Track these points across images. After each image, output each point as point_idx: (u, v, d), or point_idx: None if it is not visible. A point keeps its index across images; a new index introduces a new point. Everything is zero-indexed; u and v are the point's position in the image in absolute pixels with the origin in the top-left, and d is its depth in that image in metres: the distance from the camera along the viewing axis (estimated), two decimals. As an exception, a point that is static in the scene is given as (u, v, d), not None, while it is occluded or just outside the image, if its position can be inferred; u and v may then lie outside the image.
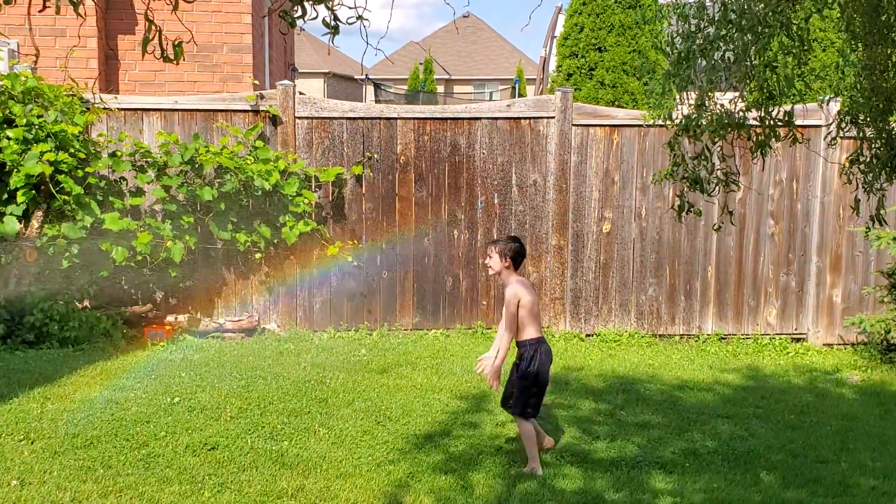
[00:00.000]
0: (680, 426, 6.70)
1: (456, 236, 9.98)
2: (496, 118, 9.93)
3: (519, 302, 5.57)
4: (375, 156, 9.85)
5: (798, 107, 9.64)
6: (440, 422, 6.62)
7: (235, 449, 5.84)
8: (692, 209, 4.85)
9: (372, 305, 10.00)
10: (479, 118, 9.93)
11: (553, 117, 9.89)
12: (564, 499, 5.15)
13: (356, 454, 5.85)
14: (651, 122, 4.90)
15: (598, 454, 5.98)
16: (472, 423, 6.60)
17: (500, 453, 5.90)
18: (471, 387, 7.65)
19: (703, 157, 4.40)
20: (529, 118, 9.94)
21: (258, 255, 9.60)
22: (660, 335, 10.15)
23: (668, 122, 4.57)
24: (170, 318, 9.43)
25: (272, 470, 5.50)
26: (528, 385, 5.63)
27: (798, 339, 10.21)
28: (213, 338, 9.37)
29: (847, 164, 4.61)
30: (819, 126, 9.62)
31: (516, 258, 5.70)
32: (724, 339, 10.14)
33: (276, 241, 9.63)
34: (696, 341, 10.03)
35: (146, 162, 9.30)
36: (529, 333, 5.66)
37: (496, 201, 9.98)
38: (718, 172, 4.60)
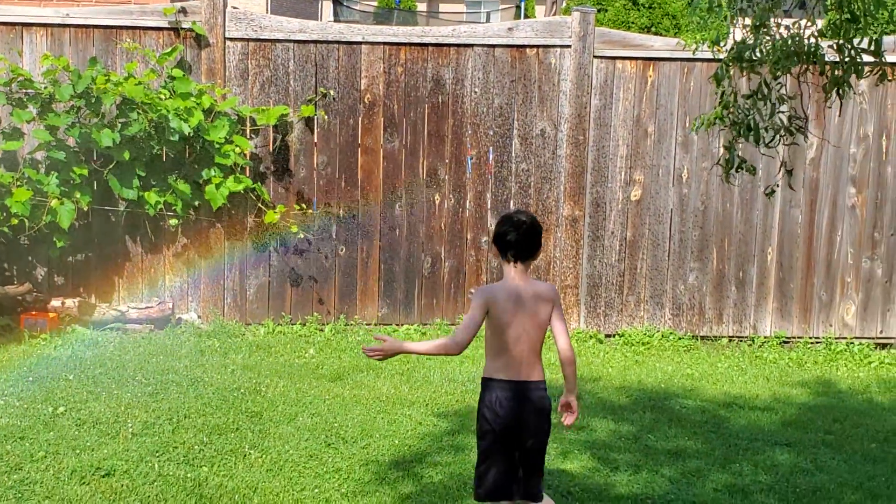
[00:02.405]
0: (725, 455, 6.71)
1: (437, 202, 9.96)
2: (493, 45, 9.89)
3: (485, 306, 4.83)
4: (332, 92, 9.79)
5: (889, 38, 9.65)
6: (411, 445, 6.61)
7: (138, 475, 5.81)
8: (744, 165, 4.83)
9: (324, 292, 9.98)
10: (471, 45, 9.89)
11: (568, 46, 9.86)
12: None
13: (298, 485, 5.83)
14: (692, 48, 4.78)
15: (618, 489, 5.99)
16: (453, 446, 6.60)
17: (489, 487, 5.90)
18: (452, 399, 7.65)
19: (759, 96, 4.37)
20: (537, 47, 9.91)
21: (174, 222, 9.55)
22: (702, 336, 10.18)
23: (716, 50, 4.54)
24: (55, 303, 9.37)
25: (186, 504, 5.49)
26: (480, 446, 4.96)
27: (884, 345, 10.26)
28: (113, 329, 9.33)
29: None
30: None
31: (500, 243, 4.92)
32: (786, 342, 10.18)
33: (197, 203, 9.58)
34: (750, 345, 10.07)
35: (26, 94, 9.21)
36: (491, 367, 4.93)
37: (491, 157, 9.96)
38: (780, 117, 4.58)
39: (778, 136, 4.64)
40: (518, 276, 4.87)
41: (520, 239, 4.84)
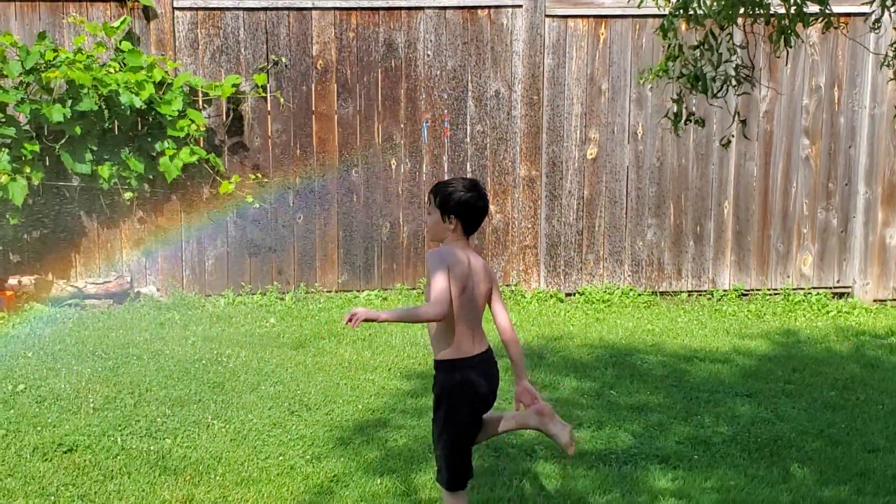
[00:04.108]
0: (687, 408, 6.77)
1: (394, 167, 9.93)
2: (444, 7, 9.82)
3: (448, 271, 4.41)
4: (284, 60, 9.71)
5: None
6: (374, 409, 6.63)
7: (100, 450, 5.79)
8: (692, 118, 4.84)
9: (283, 261, 9.93)
10: (422, 7, 9.82)
11: (520, 6, 9.82)
12: (537, 504, 5.20)
13: (262, 453, 5.83)
14: (637, 2, 4.70)
15: (581, 445, 6.01)
16: (416, 409, 6.61)
17: (453, 448, 5.92)
18: (415, 363, 7.67)
19: (706, 47, 4.37)
20: (489, 7, 9.85)
21: (129, 196, 9.46)
22: (661, 292, 10.23)
23: (662, 3, 4.53)
24: (11, 281, 9.28)
25: (150, 476, 5.46)
26: (449, 437, 4.54)
27: (841, 295, 10.37)
28: (71, 306, 9.26)
29: (892, 54, 4.63)
30: (866, 14, 9.66)
31: (465, 214, 4.51)
32: (744, 295, 10.26)
33: (151, 176, 9.49)
34: (709, 299, 10.14)
35: (-28, 71, 9.09)
36: (450, 346, 4.53)
37: (446, 120, 9.92)
38: (727, 67, 4.58)
39: (726, 87, 4.65)
40: (467, 246, 4.56)
41: (483, 211, 4.55)
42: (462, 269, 4.46)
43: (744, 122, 5.01)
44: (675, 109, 4.83)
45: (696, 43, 4.65)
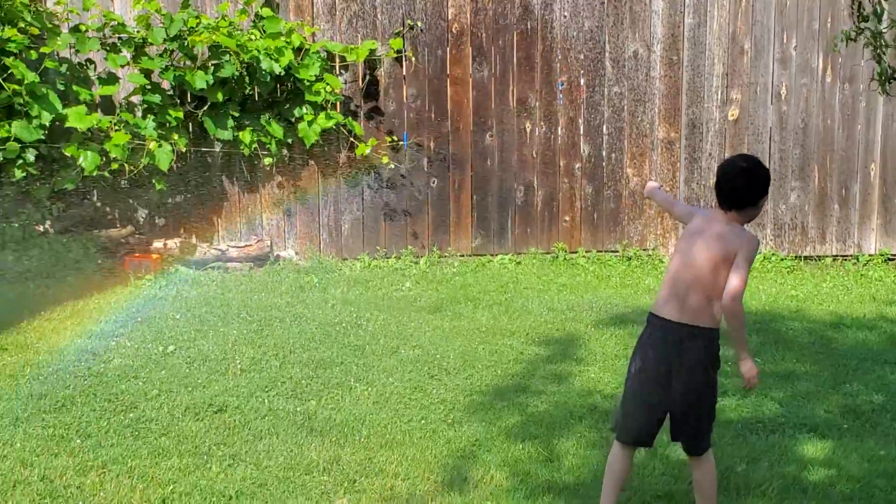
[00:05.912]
0: (835, 376, 6.64)
1: (528, 130, 9.89)
2: (582, -32, 9.74)
3: (684, 218, 4.71)
4: (419, 24, 9.73)
5: None
6: (514, 374, 6.63)
7: (249, 410, 5.90)
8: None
9: (417, 225, 10.00)
10: (559, -32, 9.76)
11: (659, -35, 9.68)
12: (683, 473, 5.15)
13: (405, 416, 5.88)
14: None
15: (727, 414, 5.95)
16: (556, 375, 6.60)
17: (595, 414, 5.90)
18: (553, 328, 7.64)
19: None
20: (627, -33, 9.74)
21: (268, 161, 9.62)
22: (805, 257, 10.02)
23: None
24: (157, 245, 9.52)
25: (297, 437, 5.55)
26: (628, 383, 4.58)
27: None
28: (214, 268, 9.46)
29: None
30: None
31: (716, 182, 4.47)
32: (891, 260, 9.99)
33: (290, 141, 9.63)
34: (855, 264, 9.90)
35: (119, 39, 9.28)
36: (658, 298, 4.50)
37: (582, 82, 9.84)
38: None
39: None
40: (717, 217, 4.43)
41: (721, 184, 4.41)
42: (687, 229, 4.55)
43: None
44: (876, 70, 4.67)
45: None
